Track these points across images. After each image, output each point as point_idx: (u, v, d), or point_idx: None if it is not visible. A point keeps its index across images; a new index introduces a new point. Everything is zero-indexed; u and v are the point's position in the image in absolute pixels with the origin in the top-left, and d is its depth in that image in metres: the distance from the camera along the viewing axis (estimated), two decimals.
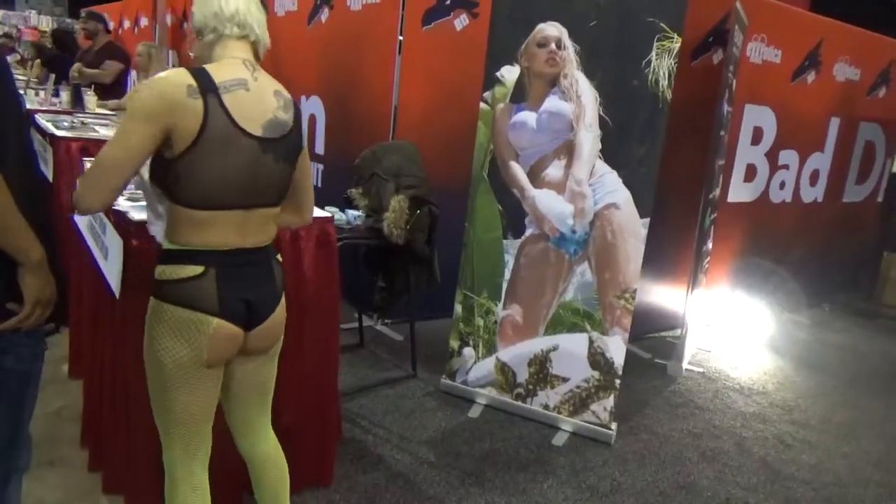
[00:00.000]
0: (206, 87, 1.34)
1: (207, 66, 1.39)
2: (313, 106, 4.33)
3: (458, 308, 3.14)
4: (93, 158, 2.32)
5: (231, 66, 1.42)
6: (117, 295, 1.90)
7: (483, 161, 3.07)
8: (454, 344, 3.17)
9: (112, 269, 1.97)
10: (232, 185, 1.41)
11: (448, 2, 3.78)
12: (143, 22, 7.47)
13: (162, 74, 1.34)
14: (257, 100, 1.43)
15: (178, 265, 1.43)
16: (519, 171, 2.99)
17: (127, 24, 7.99)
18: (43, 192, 1.45)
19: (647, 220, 2.81)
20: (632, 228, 2.83)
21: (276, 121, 1.46)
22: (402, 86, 3.75)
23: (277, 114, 1.47)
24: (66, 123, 3.70)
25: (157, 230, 1.59)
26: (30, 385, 1.40)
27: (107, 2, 8.80)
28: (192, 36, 1.51)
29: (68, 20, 14.38)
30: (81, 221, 2.44)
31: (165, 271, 1.44)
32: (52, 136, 3.38)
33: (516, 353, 3.04)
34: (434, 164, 3.30)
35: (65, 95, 4.72)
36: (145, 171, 1.52)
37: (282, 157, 1.50)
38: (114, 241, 1.96)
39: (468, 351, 3.14)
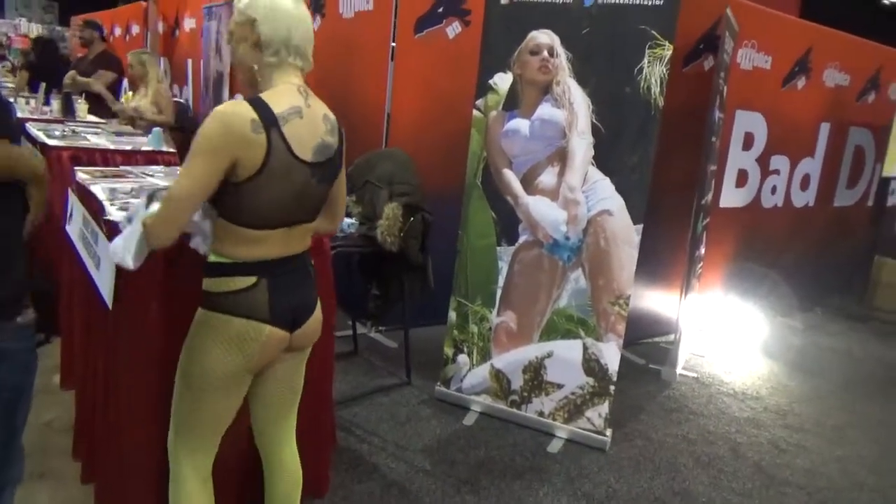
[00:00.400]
0: (268, 120, 1.37)
1: (264, 96, 1.41)
2: None
3: (453, 315, 3.14)
4: (84, 168, 2.31)
5: (287, 94, 1.45)
6: (109, 305, 1.89)
7: (476, 168, 3.07)
8: (448, 351, 3.16)
9: (104, 279, 1.96)
10: (285, 207, 1.47)
11: (440, 10, 3.79)
12: (135, 30, 7.46)
13: (226, 109, 1.36)
14: (309, 126, 1.47)
15: (231, 277, 1.47)
16: (512, 178, 2.99)
17: (118, 31, 7.98)
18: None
19: (641, 226, 2.81)
20: (625, 235, 2.84)
21: (323, 144, 1.51)
22: (394, 93, 3.75)
23: (325, 138, 1.52)
24: (57, 132, 3.68)
25: (204, 247, 1.59)
26: (22, 396, 1.40)
27: (98, 9, 8.79)
28: (243, 37, 1.46)
29: (58, 28, 14.35)
30: (73, 232, 2.43)
31: (217, 283, 1.48)
32: (44, 145, 3.36)
33: (511, 360, 3.04)
34: (427, 171, 3.30)
35: (56, 104, 4.70)
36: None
37: (325, 179, 1.56)
38: (106, 252, 1.95)
39: (462, 358, 3.13)
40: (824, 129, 5.15)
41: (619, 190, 2.82)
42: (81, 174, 2.59)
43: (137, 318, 1.87)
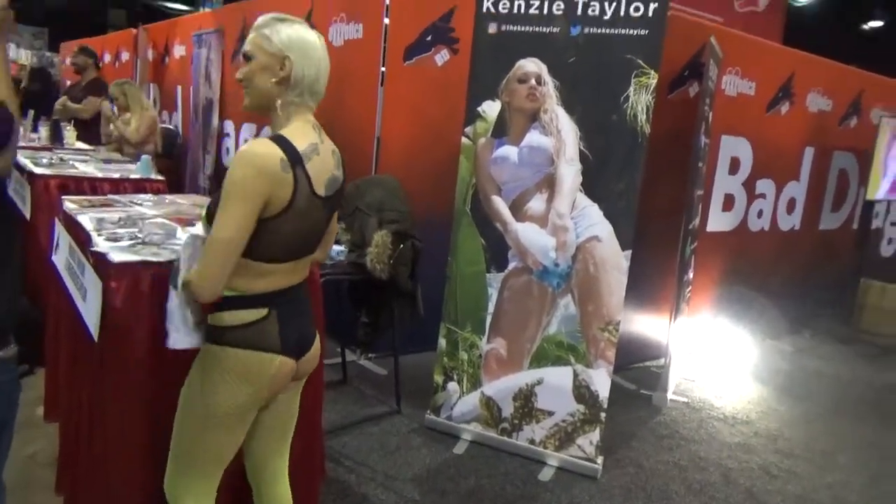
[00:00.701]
0: (294, 158, 1.39)
1: (285, 132, 1.43)
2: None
3: (443, 342, 3.13)
4: (72, 196, 2.28)
5: (305, 131, 1.47)
6: (95, 337, 1.87)
7: (465, 195, 3.08)
8: (438, 379, 3.14)
9: (90, 310, 1.93)
10: (299, 241, 1.50)
11: (429, 38, 3.83)
12: (125, 56, 7.49)
13: (255, 150, 1.36)
14: (324, 162, 1.49)
15: (243, 310, 1.47)
16: (501, 204, 3.01)
17: (108, 58, 8.00)
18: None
19: (629, 252, 2.83)
20: (614, 260, 2.85)
21: (333, 178, 1.53)
22: (384, 120, 3.78)
23: (335, 172, 1.54)
24: (44, 160, 3.67)
25: (184, 341, 1.54)
26: (5, 431, 1.37)
27: (88, 36, 8.82)
28: (268, 68, 1.45)
29: (48, 53, 14.36)
30: (59, 262, 2.41)
31: (228, 317, 1.48)
32: (31, 173, 3.35)
33: (501, 387, 3.02)
34: (416, 198, 3.31)
35: (43, 131, 4.69)
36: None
37: (332, 211, 1.59)
38: (92, 283, 1.93)
39: (452, 386, 3.11)
40: (808, 153, 5.23)
41: (608, 216, 2.84)
42: (68, 203, 2.57)
43: (124, 351, 1.85)
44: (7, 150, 1.30)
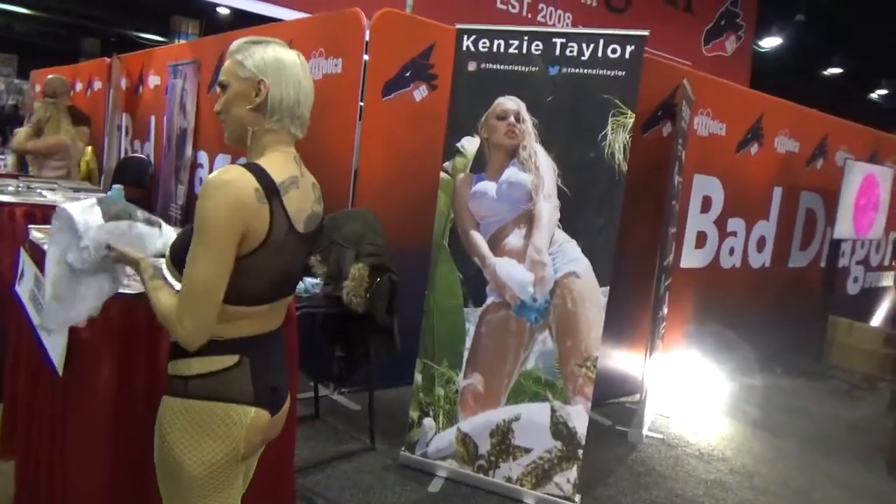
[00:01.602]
0: (270, 189, 1.28)
1: (262, 162, 1.32)
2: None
3: (419, 377, 3.08)
4: (39, 226, 2.22)
5: (284, 162, 1.36)
6: (60, 372, 1.80)
7: (444, 229, 3.07)
8: (414, 414, 3.08)
9: (56, 345, 1.86)
10: (275, 281, 1.37)
11: (408, 74, 3.86)
12: (97, 85, 7.41)
13: (226, 177, 1.25)
14: (303, 196, 1.39)
15: (211, 356, 1.33)
16: (479, 239, 3.00)
17: (79, 86, 7.92)
18: None
19: (607, 288, 2.83)
20: (592, 296, 2.85)
21: (313, 215, 1.43)
22: (361, 153, 3.77)
23: (315, 207, 1.44)
24: (10, 188, 3.58)
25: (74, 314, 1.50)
26: None
27: (59, 64, 8.73)
28: (243, 95, 1.36)
29: (16, 80, 14.16)
30: (23, 292, 2.32)
31: (195, 365, 1.33)
32: None
33: (478, 423, 2.98)
34: (392, 231, 3.30)
35: (10, 158, 4.59)
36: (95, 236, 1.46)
37: (310, 248, 1.47)
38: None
39: (428, 422, 3.06)
40: (777, 192, 5.35)
41: (586, 252, 2.86)
42: (35, 233, 2.50)
43: (89, 386, 1.78)
44: None
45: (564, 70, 2.89)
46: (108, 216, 1.51)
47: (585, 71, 2.86)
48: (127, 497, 1.86)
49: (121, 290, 1.85)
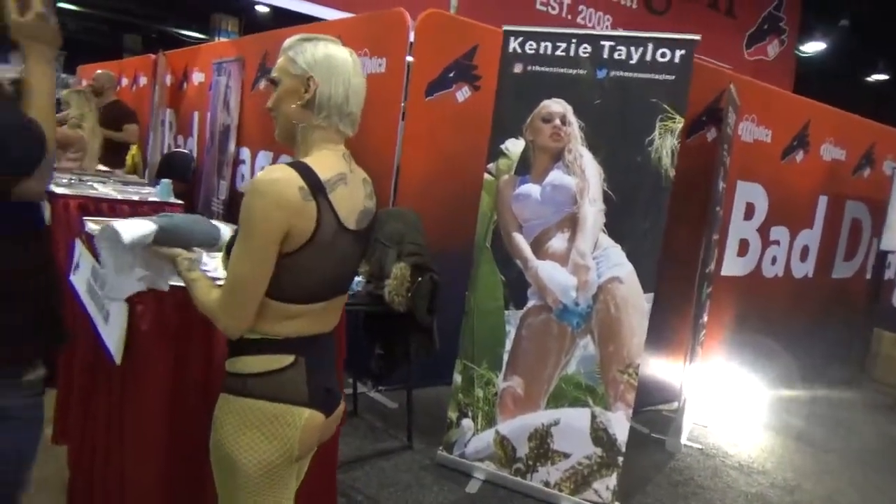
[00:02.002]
0: (316, 187, 1.28)
1: (308, 161, 1.32)
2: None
3: (458, 378, 3.08)
4: (94, 217, 2.26)
5: (332, 160, 1.36)
6: (118, 360, 1.84)
7: (486, 231, 3.07)
8: (452, 415, 3.09)
9: (113, 333, 1.90)
10: (327, 279, 1.37)
11: (451, 75, 3.87)
12: (142, 81, 7.57)
13: (271, 176, 1.26)
14: (353, 193, 1.39)
15: (267, 355, 1.34)
16: (522, 241, 2.99)
17: (125, 82, 8.10)
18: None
19: (651, 294, 2.81)
20: (635, 302, 2.83)
21: (365, 211, 1.43)
22: (403, 153, 3.79)
23: (366, 203, 1.44)
24: (63, 180, 3.67)
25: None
26: (26, 461, 1.33)
27: (104, 60, 8.95)
28: (293, 91, 1.37)
29: (63, 75, 14.55)
30: (79, 282, 2.38)
31: (251, 363, 1.34)
32: (51, 192, 3.34)
33: (516, 426, 2.97)
34: (433, 231, 3.31)
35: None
36: (137, 230, 1.49)
37: (364, 245, 1.46)
38: (117, 306, 1.90)
39: (467, 422, 3.06)
40: (822, 201, 5.24)
41: (630, 257, 2.83)
42: (91, 224, 2.56)
43: (147, 375, 1.82)
44: (40, 172, 1.24)
45: (612, 73, 2.87)
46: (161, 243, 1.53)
47: (634, 75, 2.83)
48: (181, 488, 1.90)
49: (174, 283, 1.90)
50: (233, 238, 1.39)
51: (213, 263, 2.02)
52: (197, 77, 6.38)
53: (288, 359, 1.35)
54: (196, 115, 6.25)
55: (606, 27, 7.73)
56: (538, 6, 7.33)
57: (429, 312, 3.09)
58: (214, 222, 1.66)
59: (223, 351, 1.72)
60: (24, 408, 1.28)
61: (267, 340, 1.35)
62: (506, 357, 3.01)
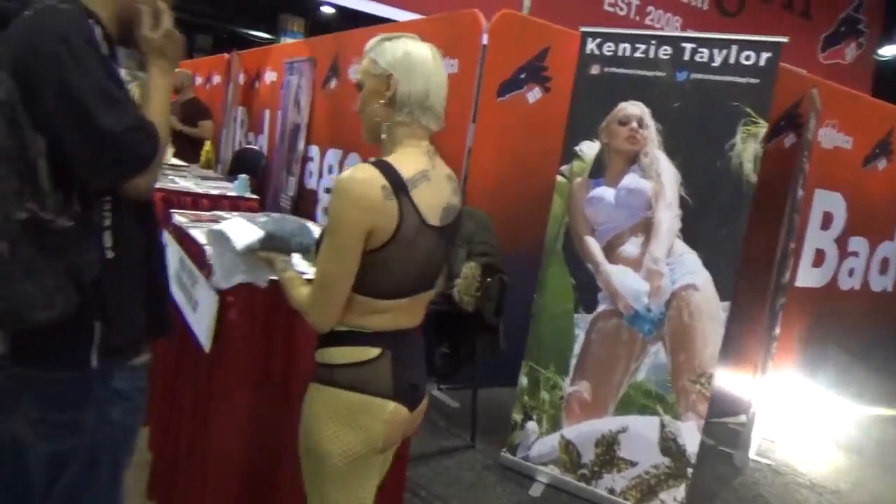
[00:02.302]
0: (398, 185, 1.31)
1: (390, 159, 1.35)
2: None
3: (524, 380, 3.08)
4: (180, 210, 2.33)
5: (414, 157, 1.38)
6: (207, 348, 1.91)
7: (557, 233, 3.06)
8: (517, 417, 3.08)
9: (202, 322, 1.98)
10: (412, 276, 1.40)
11: (523, 76, 3.86)
12: (216, 80, 7.82)
13: (353, 176, 1.30)
14: (436, 189, 1.41)
15: (354, 347, 1.38)
16: (594, 245, 2.97)
17: (199, 80, 8.37)
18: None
19: (728, 303, 2.74)
20: (710, 310, 2.76)
21: (449, 208, 1.45)
22: (473, 153, 3.80)
23: (451, 200, 1.46)
24: None
25: (225, 282, 1.64)
26: (132, 437, 1.40)
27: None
28: (375, 91, 1.40)
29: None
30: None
31: (338, 354, 1.39)
32: None
33: (582, 431, 2.94)
34: (501, 232, 3.31)
35: None
36: (246, 237, 1.55)
37: (450, 241, 1.49)
38: (206, 295, 1.98)
39: (531, 425, 3.05)
40: None
41: (706, 264, 2.77)
42: (178, 217, 2.67)
43: (234, 364, 1.89)
44: (151, 169, 1.29)
45: (693, 76, 2.81)
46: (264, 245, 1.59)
47: (716, 77, 2.77)
48: (259, 477, 1.96)
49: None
50: (322, 236, 1.44)
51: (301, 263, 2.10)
52: (269, 76, 6.56)
53: (374, 351, 1.38)
54: (267, 112, 6.42)
55: (676, 28, 7.57)
56: (606, 7, 7.24)
57: (496, 313, 3.09)
58: (308, 224, 1.71)
59: (306, 344, 1.78)
60: (134, 390, 1.34)
61: (355, 332, 1.39)
62: (573, 361, 2.98)
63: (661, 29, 7.45)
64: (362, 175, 1.30)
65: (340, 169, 4.82)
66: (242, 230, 1.57)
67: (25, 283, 1.10)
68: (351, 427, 1.36)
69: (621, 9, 7.37)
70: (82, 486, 1.30)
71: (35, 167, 1.10)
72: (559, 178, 3.06)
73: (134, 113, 1.21)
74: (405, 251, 1.35)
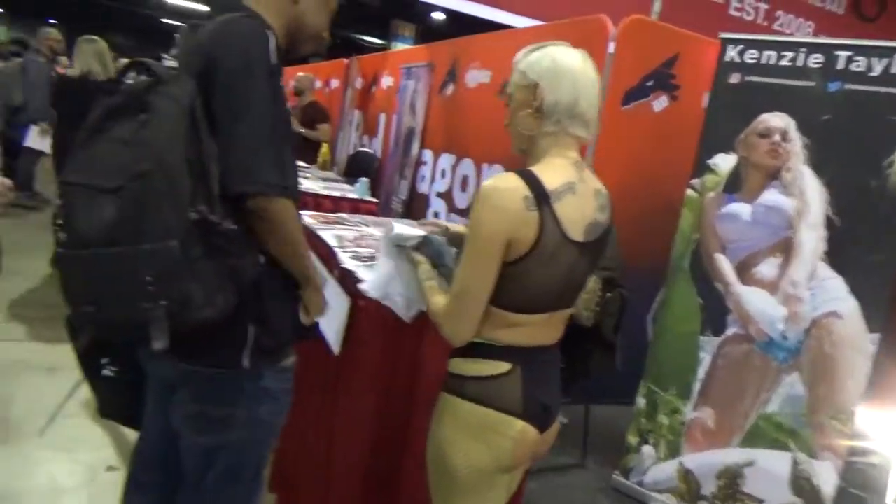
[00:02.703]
0: (540, 196, 1.28)
1: (536, 169, 1.33)
2: (496, 174, 4.39)
3: (641, 401, 2.95)
4: (307, 212, 2.36)
5: (561, 168, 1.35)
6: (336, 351, 1.95)
7: (684, 250, 2.91)
8: (632, 439, 2.96)
9: (332, 324, 2.02)
10: (550, 291, 1.37)
11: (649, 83, 3.72)
12: (334, 84, 8.10)
13: (497, 185, 1.28)
14: (582, 203, 1.37)
15: (485, 360, 1.36)
16: (725, 264, 2.80)
17: (318, 84, 8.69)
18: None
19: (878, 335, 2.50)
20: (856, 342, 2.53)
21: (595, 224, 1.41)
22: (595, 162, 3.70)
23: (597, 216, 1.42)
24: None
25: (407, 312, 1.62)
26: (276, 439, 1.44)
27: (295, 64, 9.69)
28: (524, 103, 1.38)
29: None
30: None
31: (469, 366, 1.38)
32: None
33: (704, 461, 2.78)
34: (621, 245, 3.18)
35: None
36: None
37: (593, 259, 1.45)
38: (337, 298, 2.01)
39: (647, 449, 2.92)
40: None
41: (854, 291, 2.54)
42: (307, 218, 2.75)
43: (362, 368, 1.91)
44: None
45: (847, 86, 2.59)
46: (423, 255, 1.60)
47: (874, 88, 2.54)
48: (379, 481, 1.97)
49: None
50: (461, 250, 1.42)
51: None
52: (386, 81, 6.70)
53: (504, 366, 1.36)
54: (382, 116, 6.56)
55: (808, 34, 7.11)
56: (732, 11, 6.91)
57: (615, 329, 2.98)
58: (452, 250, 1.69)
59: (434, 351, 1.77)
60: (281, 391, 1.38)
61: (487, 345, 1.36)
62: (697, 385, 2.83)
63: (792, 35, 7.02)
64: (505, 184, 1.28)
65: (453, 174, 4.84)
66: (408, 225, 1.59)
67: (191, 282, 1.14)
68: (478, 442, 1.34)
69: (748, 13, 7.01)
70: (229, 479, 1.35)
71: (208, 170, 1.15)
72: (690, 191, 2.91)
73: (285, 140, 1.25)
74: (544, 265, 1.32)
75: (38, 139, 5.69)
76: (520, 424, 1.35)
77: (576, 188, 1.36)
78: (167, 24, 20.41)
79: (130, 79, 1.19)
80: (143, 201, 1.09)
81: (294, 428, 2.33)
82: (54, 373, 3.09)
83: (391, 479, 1.98)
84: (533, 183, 1.29)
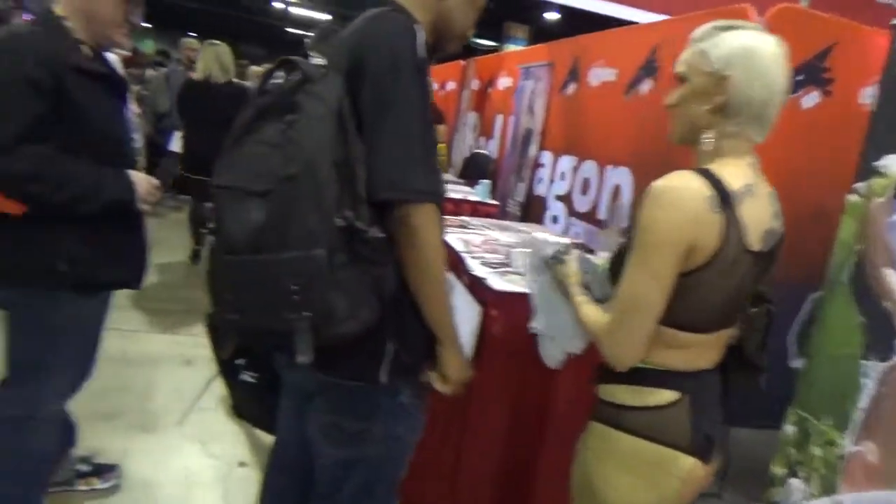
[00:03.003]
0: (724, 197, 1.16)
1: (714, 168, 1.21)
2: (620, 177, 4.19)
3: (790, 429, 2.67)
4: None
5: (741, 169, 1.23)
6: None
7: (844, 262, 2.61)
8: (778, 470, 2.69)
9: (462, 332, 1.94)
10: (721, 305, 1.24)
11: (800, 77, 3.39)
12: (450, 86, 8.12)
13: (672, 184, 1.17)
14: (760, 208, 1.24)
15: (649, 388, 1.24)
16: (895, 279, 2.47)
17: (435, 86, 8.78)
18: None
19: None
20: None
21: (771, 231, 1.27)
22: None
23: (773, 223, 1.28)
24: None
25: (556, 357, 1.49)
26: (411, 453, 1.39)
27: None
28: (703, 92, 1.25)
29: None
30: None
31: (628, 394, 1.25)
32: None
33: (865, 501, 2.47)
34: None
35: None
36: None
37: (764, 271, 1.32)
38: (466, 307, 1.94)
39: (797, 483, 2.64)
40: None
41: None
42: None
43: (494, 378, 1.83)
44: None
45: None
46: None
47: None
48: (510, 494, 1.88)
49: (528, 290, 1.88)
50: (616, 252, 1.30)
51: None
52: (503, 82, 6.62)
53: (672, 395, 1.23)
54: (499, 118, 6.49)
55: None
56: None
57: (760, 348, 2.72)
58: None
59: (568, 367, 1.65)
60: (416, 408, 1.33)
61: (648, 370, 1.23)
62: (858, 416, 2.52)
63: None
64: (681, 182, 1.16)
65: (574, 176, 4.67)
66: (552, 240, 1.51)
67: (335, 293, 1.10)
68: (638, 478, 1.22)
69: None
70: (363, 494, 1.31)
71: (355, 174, 1.10)
72: (852, 197, 2.60)
73: (429, 149, 1.18)
74: (720, 277, 1.19)
75: (180, 143, 6.08)
76: (690, 461, 1.23)
77: (754, 190, 1.23)
78: (292, 33, 21.48)
79: (279, 78, 1.17)
80: (289, 206, 1.06)
81: (421, 441, 2.30)
82: (192, 365, 3.25)
83: (523, 494, 1.89)
84: (714, 183, 1.17)
